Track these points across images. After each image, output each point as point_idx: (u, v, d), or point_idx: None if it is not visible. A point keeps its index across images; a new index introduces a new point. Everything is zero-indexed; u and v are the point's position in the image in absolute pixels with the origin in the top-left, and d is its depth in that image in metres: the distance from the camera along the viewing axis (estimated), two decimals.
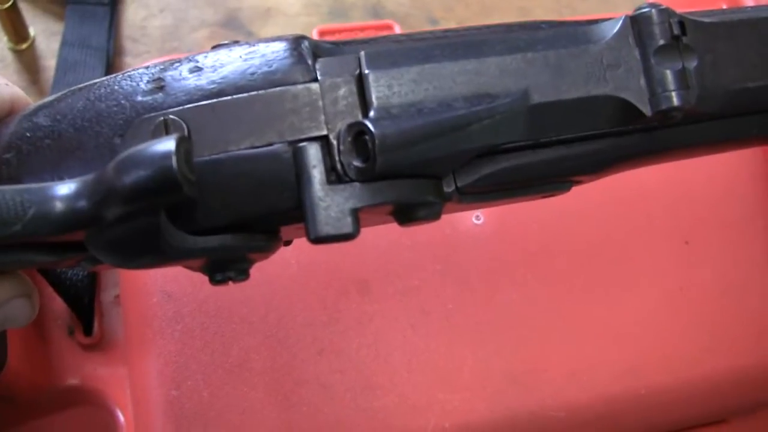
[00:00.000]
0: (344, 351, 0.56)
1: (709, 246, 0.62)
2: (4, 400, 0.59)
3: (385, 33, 0.67)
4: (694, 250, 0.62)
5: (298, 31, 0.77)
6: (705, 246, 0.62)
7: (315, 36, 0.67)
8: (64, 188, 0.34)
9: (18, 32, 0.73)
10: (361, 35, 0.67)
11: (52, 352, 0.61)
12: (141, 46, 0.75)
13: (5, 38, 0.73)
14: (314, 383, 0.56)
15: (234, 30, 0.76)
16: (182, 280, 0.56)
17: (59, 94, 0.38)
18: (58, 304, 0.62)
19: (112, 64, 0.73)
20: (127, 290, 0.59)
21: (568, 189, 0.40)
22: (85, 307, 0.61)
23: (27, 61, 0.74)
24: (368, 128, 0.34)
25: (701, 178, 0.63)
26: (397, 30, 0.67)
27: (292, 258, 0.57)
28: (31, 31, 0.74)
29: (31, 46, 0.74)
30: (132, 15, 0.76)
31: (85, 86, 0.37)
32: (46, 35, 0.74)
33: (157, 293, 0.57)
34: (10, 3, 0.69)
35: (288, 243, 0.44)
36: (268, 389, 0.55)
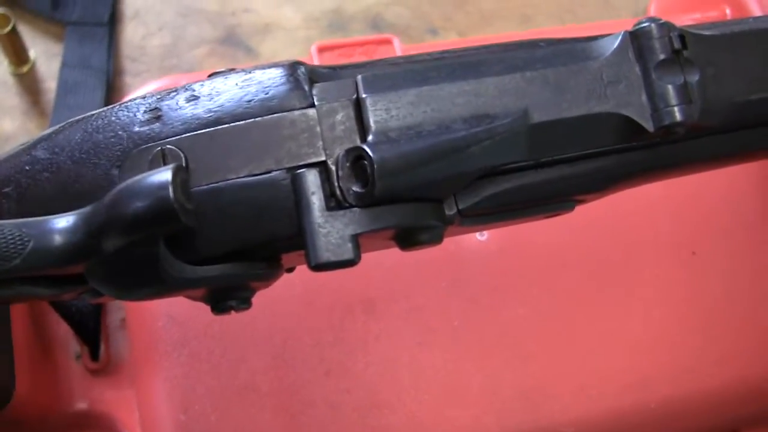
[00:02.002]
0: (351, 370, 0.56)
1: (716, 256, 0.61)
2: (13, 426, 0.59)
3: (384, 47, 0.67)
4: (701, 261, 0.61)
5: (298, 46, 0.78)
6: (712, 256, 0.61)
7: (314, 51, 0.66)
8: (63, 221, 0.34)
9: (18, 55, 0.73)
10: (360, 50, 0.66)
11: (59, 377, 0.61)
12: (140, 65, 0.75)
13: (6, 62, 0.73)
14: (322, 403, 0.56)
15: (233, 46, 0.76)
16: (187, 304, 0.56)
17: (58, 126, 0.38)
18: (64, 329, 0.62)
19: (112, 85, 0.73)
20: (133, 314, 0.59)
21: (571, 208, 0.40)
22: (91, 331, 0.61)
23: (28, 83, 0.74)
24: (367, 153, 0.33)
25: (707, 188, 0.62)
26: (397, 43, 0.67)
27: (296, 279, 0.56)
28: (32, 54, 0.74)
29: (32, 69, 0.74)
30: (131, 34, 0.76)
31: (83, 118, 0.37)
32: (47, 57, 0.74)
33: (163, 317, 0.57)
34: (10, 27, 0.69)
35: (290, 270, 0.44)
36: (275, 411, 0.55)
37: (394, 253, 0.57)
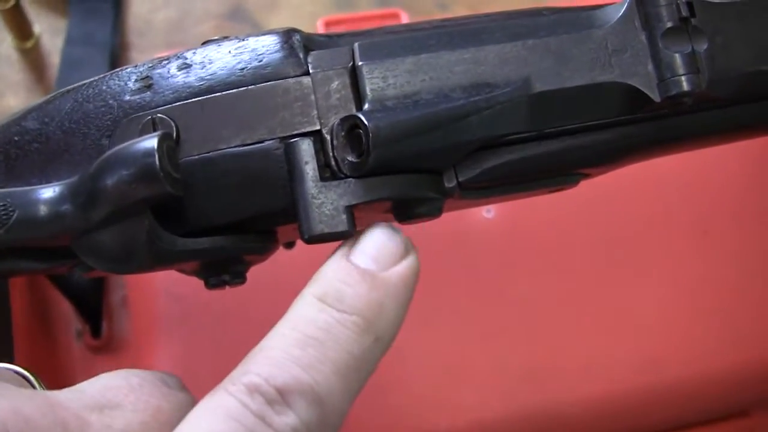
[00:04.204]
0: None
1: (728, 236, 0.60)
2: None
3: (391, 21, 0.66)
4: (712, 241, 0.60)
5: (304, 21, 0.77)
6: (724, 236, 0.60)
7: (320, 26, 0.65)
8: (48, 191, 0.33)
9: (22, 30, 0.72)
10: (366, 25, 0.65)
11: (60, 354, 0.61)
12: (146, 40, 0.74)
13: (10, 36, 0.73)
14: None
15: (240, 21, 0.75)
16: (188, 282, 0.55)
17: (49, 96, 0.37)
18: (65, 307, 0.61)
19: (117, 60, 0.72)
20: (134, 292, 0.58)
21: (576, 183, 0.39)
22: (92, 309, 0.60)
23: (32, 59, 0.73)
24: (362, 121, 0.32)
25: (719, 167, 0.61)
26: (404, 18, 0.66)
27: (299, 255, 0.56)
28: (36, 29, 0.73)
29: (36, 44, 0.73)
30: (136, 9, 0.75)
31: (74, 87, 0.37)
32: (51, 32, 0.73)
33: (164, 295, 0.56)
34: (13, 1, 0.68)
35: (290, 245, 0.43)
36: None
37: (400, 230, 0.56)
